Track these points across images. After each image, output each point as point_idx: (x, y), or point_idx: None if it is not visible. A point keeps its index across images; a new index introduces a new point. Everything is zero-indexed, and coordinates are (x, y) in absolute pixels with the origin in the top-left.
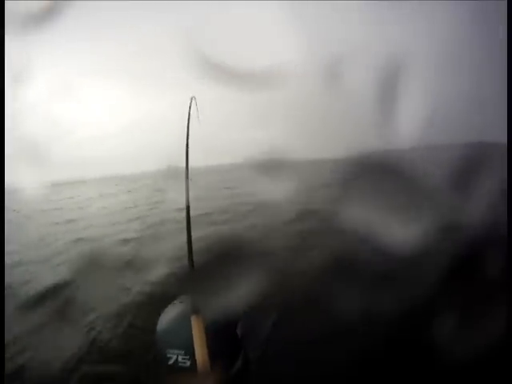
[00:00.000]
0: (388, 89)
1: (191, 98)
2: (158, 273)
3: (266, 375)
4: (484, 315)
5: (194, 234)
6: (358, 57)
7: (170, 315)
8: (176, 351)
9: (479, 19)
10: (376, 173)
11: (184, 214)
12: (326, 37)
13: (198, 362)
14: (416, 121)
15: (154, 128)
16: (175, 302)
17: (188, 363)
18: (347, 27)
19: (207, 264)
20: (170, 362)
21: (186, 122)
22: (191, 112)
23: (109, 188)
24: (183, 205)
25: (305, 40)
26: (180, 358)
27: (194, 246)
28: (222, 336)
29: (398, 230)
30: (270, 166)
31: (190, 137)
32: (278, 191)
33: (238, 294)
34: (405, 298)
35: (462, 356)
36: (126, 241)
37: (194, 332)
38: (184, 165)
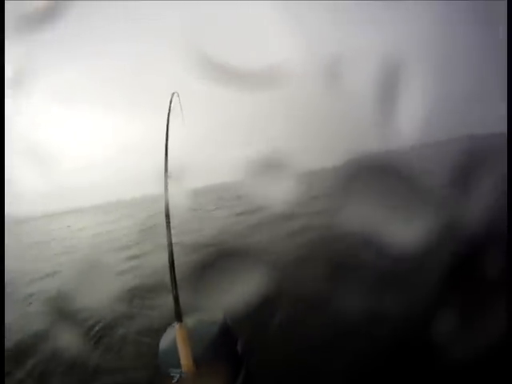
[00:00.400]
0: (388, 88)
1: (172, 94)
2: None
3: None
4: (484, 315)
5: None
6: (358, 57)
7: (169, 337)
8: (178, 370)
9: (477, 19)
10: (376, 173)
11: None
12: (325, 37)
13: (182, 364)
14: (416, 120)
15: (151, 150)
16: (174, 324)
17: None
18: (347, 28)
19: (204, 275)
20: (174, 380)
21: (167, 118)
22: (184, 112)
23: (108, 215)
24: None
25: (305, 40)
26: (183, 376)
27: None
28: (223, 353)
29: (399, 230)
30: (272, 167)
31: (189, 148)
32: (279, 192)
33: (236, 306)
34: (405, 299)
35: (462, 356)
36: (125, 270)
37: (177, 337)
38: (184, 182)
